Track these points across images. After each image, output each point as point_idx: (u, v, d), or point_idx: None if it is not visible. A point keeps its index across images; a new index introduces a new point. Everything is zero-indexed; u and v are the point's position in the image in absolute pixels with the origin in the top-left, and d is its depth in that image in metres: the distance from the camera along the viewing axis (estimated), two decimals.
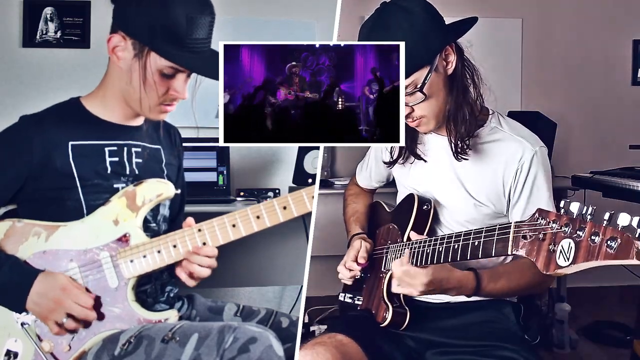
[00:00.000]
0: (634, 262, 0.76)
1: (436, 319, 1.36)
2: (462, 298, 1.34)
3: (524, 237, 0.92)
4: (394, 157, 1.44)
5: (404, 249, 1.30)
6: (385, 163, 1.49)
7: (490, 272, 1.27)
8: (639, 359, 2.15)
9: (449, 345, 1.30)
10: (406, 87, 1.20)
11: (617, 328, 2.74)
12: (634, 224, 0.77)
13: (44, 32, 2.72)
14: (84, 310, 1.16)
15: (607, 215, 0.80)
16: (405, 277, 1.20)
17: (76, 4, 2.73)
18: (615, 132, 3.15)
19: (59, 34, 2.73)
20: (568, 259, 0.83)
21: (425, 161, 1.40)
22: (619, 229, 0.78)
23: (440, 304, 1.37)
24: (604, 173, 2.35)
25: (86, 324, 1.18)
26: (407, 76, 1.18)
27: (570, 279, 2.77)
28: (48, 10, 2.72)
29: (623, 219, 0.78)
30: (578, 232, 0.82)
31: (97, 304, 1.19)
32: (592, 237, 0.80)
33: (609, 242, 0.78)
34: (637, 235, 0.77)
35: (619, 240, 0.77)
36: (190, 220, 1.25)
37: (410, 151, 1.40)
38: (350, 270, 1.41)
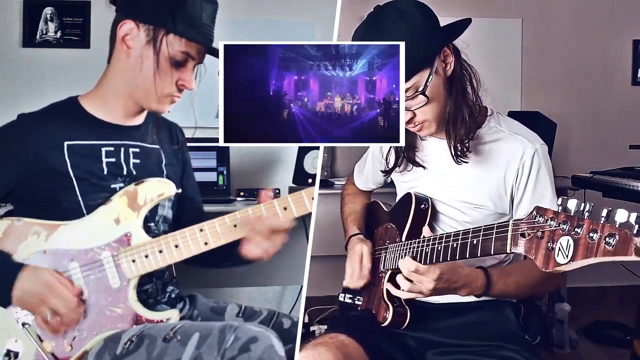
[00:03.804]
0: (633, 258, 0.76)
1: (437, 319, 1.36)
2: (463, 298, 1.35)
3: (523, 235, 0.92)
4: (390, 166, 1.44)
5: (403, 248, 1.30)
6: (382, 172, 1.48)
7: (499, 270, 1.26)
8: (639, 359, 2.15)
9: (450, 345, 1.30)
10: (407, 91, 1.19)
11: (617, 328, 2.75)
12: (632, 220, 0.77)
13: (44, 32, 2.72)
14: (66, 308, 1.15)
15: (604, 212, 0.80)
16: (414, 275, 1.18)
17: (76, 4, 2.73)
18: (615, 132, 3.15)
19: (59, 34, 2.73)
20: (567, 257, 0.83)
21: (424, 168, 1.39)
22: (617, 225, 0.77)
23: (441, 304, 1.37)
24: (604, 173, 2.35)
25: (70, 322, 1.17)
26: (407, 79, 1.17)
27: (570, 279, 2.77)
28: (48, 10, 2.73)
29: (621, 216, 0.78)
30: (576, 229, 0.82)
31: (81, 299, 1.18)
32: (591, 234, 0.80)
33: (607, 239, 0.77)
34: (635, 232, 0.76)
35: (617, 236, 0.76)
36: (265, 193, 1.26)
37: (408, 159, 1.40)
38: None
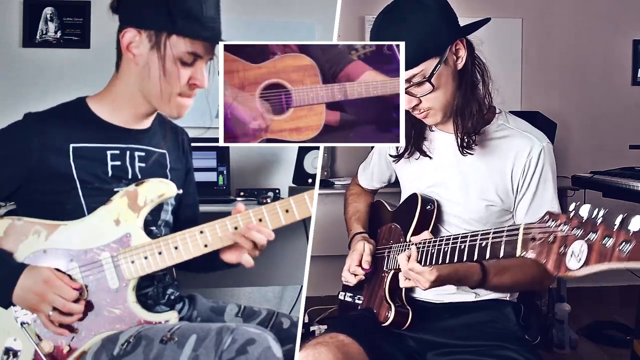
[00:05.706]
0: None
1: (437, 319, 1.35)
2: (463, 298, 1.35)
3: (533, 239, 0.91)
4: (400, 152, 1.45)
5: (408, 248, 1.30)
6: (391, 156, 1.49)
7: (495, 265, 1.26)
8: (639, 359, 2.15)
9: (450, 346, 1.30)
10: (414, 77, 1.22)
11: (617, 328, 2.75)
12: None
13: (44, 32, 2.73)
14: (66, 303, 1.15)
15: (619, 219, 0.79)
16: (411, 273, 1.20)
17: (76, 4, 2.73)
18: (615, 132, 3.15)
19: (59, 34, 2.74)
20: (580, 261, 0.82)
21: (430, 158, 1.40)
22: (631, 233, 0.77)
23: (442, 304, 1.37)
24: (604, 173, 2.35)
25: (73, 316, 1.17)
26: (415, 65, 1.20)
27: (570, 279, 2.77)
28: (48, 10, 2.73)
29: (635, 223, 0.77)
30: (590, 234, 0.82)
31: (81, 295, 1.18)
32: (605, 240, 0.79)
33: (621, 245, 0.77)
34: None
35: (632, 243, 0.76)
36: (240, 206, 1.24)
37: (417, 147, 1.40)
38: (355, 275, 1.41)
